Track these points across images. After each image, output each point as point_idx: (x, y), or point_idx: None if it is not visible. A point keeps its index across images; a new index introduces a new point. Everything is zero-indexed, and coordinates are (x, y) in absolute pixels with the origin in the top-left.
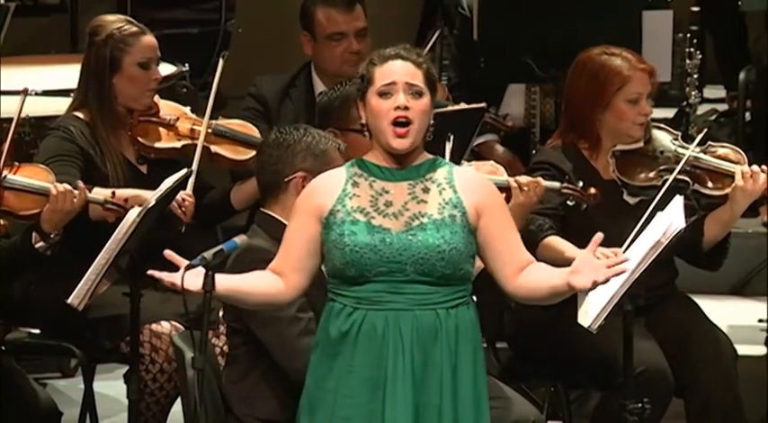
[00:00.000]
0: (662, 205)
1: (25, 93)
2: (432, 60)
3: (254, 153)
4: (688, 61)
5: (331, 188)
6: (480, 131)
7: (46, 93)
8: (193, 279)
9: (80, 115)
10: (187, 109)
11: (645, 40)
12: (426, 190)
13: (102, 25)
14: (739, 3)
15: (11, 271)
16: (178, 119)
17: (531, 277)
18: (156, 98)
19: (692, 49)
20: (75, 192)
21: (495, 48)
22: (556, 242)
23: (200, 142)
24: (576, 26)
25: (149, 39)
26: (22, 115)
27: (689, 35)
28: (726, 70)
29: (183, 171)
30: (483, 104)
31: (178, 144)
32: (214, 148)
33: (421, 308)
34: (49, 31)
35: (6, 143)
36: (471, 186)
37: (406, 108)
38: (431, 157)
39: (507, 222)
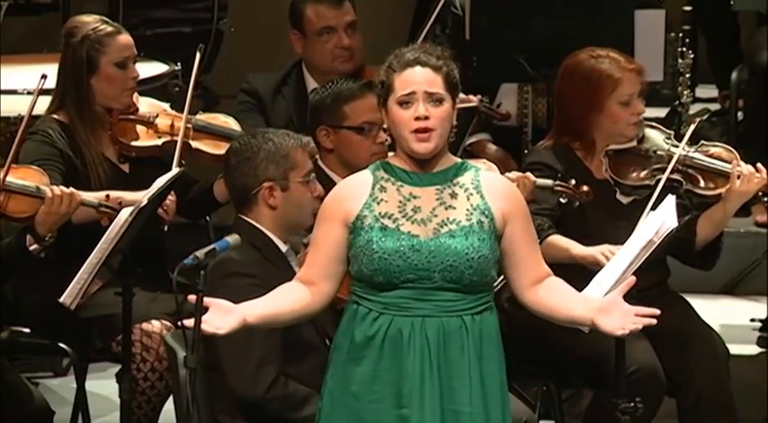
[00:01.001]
0: (657, 205)
1: (44, 77)
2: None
3: None
4: (680, 60)
5: (357, 193)
6: (473, 130)
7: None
8: (222, 320)
9: (58, 117)
10: (167, 105)
11: (637, 39)
12: (454, 195)
13: (78, 26)
14: (731, 2)
15: (5, 273)
16: (157, 116)
17: (551, 298)
18: (135, 96)
19: (684, 49)
20: (71, 196)
21: (487, 47)
22: (560, 240)
23: (179, 139)
24: (569, 25)
25: (125, 38)
26: (15, 114)
27: (681, 34)
28: (718, 70)
29: (175, 170)
30: (474, 103)
31: (159, 141)
32: (195, 144)
33: (447, 314)
34: (41, 29)
35: (14, 145)
36: (498, 192)
37: (426, 118)
38: (457, 160)
39: (530, 232)
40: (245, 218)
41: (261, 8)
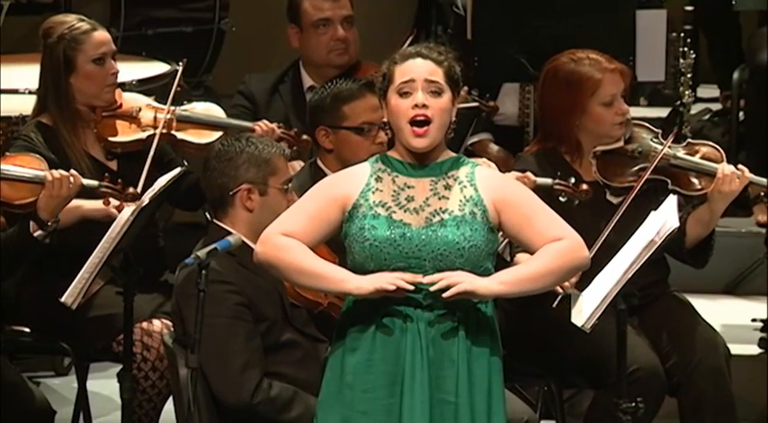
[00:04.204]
0: (639, 205)
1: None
2: None
3: (220, 134)
4: (682, 60)
5: (355, 181)
6: (474, 130)
7: (36, 91)
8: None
9: (43, 120)
10: (150, 99)
11: (638, 39)
12: (448, 187)
13: (53, 26)
14: (733, 2)
15: (12, 262)
16: (140, 109)
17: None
18: (119, 92)
19: (685, 49)
20: (71, 178)
21: (488, 47)
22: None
23: (159, 129)
24: (570, 25)
25: (101, 34)
26: (16, 114)
27: (683, 34)
28: (719, 70)
29: (177, 170)
30: (476, 103)
31: (143, 135)
32: (180, 135)
33: (439, 305)
34: None
35: None
36: (490, 184)
37: (424, 106)
38: (453, 155)
39: (530, 210)
40: (220, 223)
41: (262, 8)
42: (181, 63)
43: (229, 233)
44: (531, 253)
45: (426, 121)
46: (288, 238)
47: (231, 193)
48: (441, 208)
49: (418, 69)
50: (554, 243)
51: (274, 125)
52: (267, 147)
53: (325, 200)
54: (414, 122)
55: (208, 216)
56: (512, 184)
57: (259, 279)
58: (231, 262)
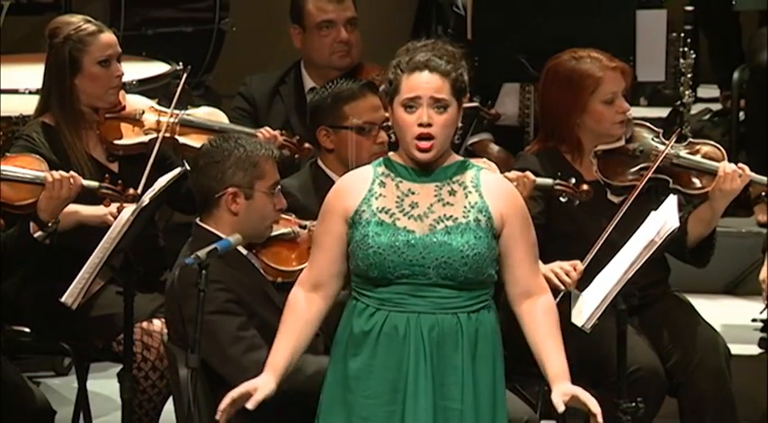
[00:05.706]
0: (640, 204)
1: None
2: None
3: None
4: (682, 61)
5: (357, 189)
6: (475, 130)
7: (40, 91)
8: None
9: (45, 120)
10: (154, 102)
11: (639, 39)
12: (453, 192)
13: (60, 26)
14: (733, 2)
15: (13, 262)
16: (143, 112)
17: (531, 323)
18: (122, 94)
19: (685, 49)
20: (71, 179)
21: (489, 47)
22: None
23: (161, 132)
24: (570, 25)
25: (107, 36)
26: (16, 114)
27: (683, 34)
28: (720, 70)
29: (177, 170)
30: (476, 103)
31: (145, 138)
32: (181, 139)
33: (442, 311)
34: (42, 29)
35: None
36: (498, 193)
37: (429, 125)
38: (459, 158)
39: (528, 237)
40: (203, 225)
41: (262, 8)
42: (181, 65)
43: (214, 235)
44: (500, 268)
45: (431, 137)
46: (295, 296)
47: (217, 195)
48: (445, 215)
49: (425, 86)
50: (551, 310)
51: (277, 132)
52: (255, 149)
53: (329, 220)
54: (418, 137)
55: None
56: (519, 201)
57: (246, 279)
58: (219, 263)
